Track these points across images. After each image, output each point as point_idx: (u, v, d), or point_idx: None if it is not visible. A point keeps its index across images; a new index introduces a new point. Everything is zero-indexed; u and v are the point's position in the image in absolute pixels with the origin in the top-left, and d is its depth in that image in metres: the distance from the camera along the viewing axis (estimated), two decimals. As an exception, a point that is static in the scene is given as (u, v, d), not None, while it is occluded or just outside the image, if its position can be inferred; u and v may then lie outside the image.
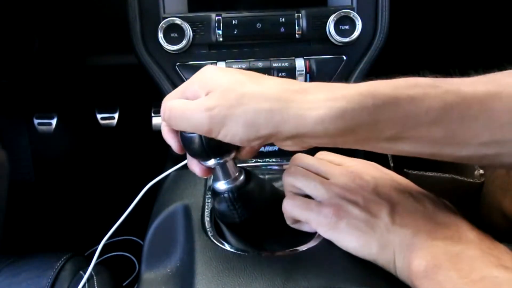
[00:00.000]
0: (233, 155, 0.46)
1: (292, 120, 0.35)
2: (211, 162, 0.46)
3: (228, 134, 0.37)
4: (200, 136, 0.42)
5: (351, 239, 0.42)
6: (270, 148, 0.66)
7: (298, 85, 0.38)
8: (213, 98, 0.37)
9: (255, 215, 0.49)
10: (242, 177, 0.48)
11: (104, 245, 0.55)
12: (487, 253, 0.35)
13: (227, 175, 0.48)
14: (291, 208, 0.46)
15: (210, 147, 0.43)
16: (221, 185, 0.48)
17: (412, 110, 0.35)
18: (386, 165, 0.81)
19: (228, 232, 0.51)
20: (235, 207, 0.48)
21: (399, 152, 0.38)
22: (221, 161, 0.46)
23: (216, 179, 0.49)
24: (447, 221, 0.40)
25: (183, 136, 0.44)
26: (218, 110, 0.36)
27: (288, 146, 0.39)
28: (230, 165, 0.47)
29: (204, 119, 0.37)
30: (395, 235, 0.39)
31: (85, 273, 0.60)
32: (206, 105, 0.37)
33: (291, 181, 0.47)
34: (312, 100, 0.36)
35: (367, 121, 0.35)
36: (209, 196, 0.56)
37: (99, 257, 0.56)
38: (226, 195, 0.47)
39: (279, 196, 0.50)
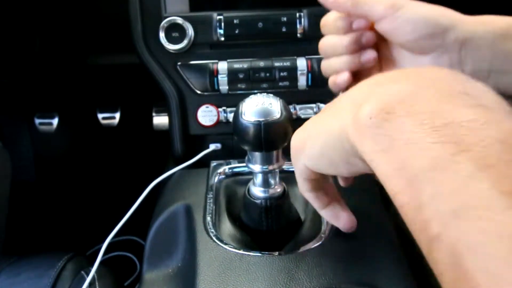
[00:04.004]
0: (279, 164, 0.46)
1: None
2: (257, 168, 0.46)
3: None
4: (260, 126, 0.42)
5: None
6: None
7: None
8: None
9: (280, 229, 0.50)
10: (280, 190, 0.48)
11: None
12: (459, 92, 0.26)
13: (268, 184, 0.48)
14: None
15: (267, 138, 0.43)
16: (259, 192, 0.48)
17: None
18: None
19: (230, 231, 0.51)
20: (267, 216, 0.48)
21: None
22: (266, 169, 0.46)
23: (254, 184, 0.49)
24: (400, 70, 0.32)
25: (241, 124, 0.43)
26: None
27: None
28: (274, 174, 0.48)
29: None
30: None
31: (86, 273, 0.60)
32: None
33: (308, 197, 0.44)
34: None
35: None
36: (211, 196, 0.56)
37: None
38: (262, 203, 0.48)
39: (298, 215, 0.53)
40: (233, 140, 0.68)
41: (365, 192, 0.54)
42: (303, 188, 0.41)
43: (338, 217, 0.44)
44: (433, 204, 0.22)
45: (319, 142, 0.34)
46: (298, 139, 0.38)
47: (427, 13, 0.42)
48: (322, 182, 0.42)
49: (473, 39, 0.42)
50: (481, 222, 0.20)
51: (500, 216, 0.19)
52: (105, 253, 0.52)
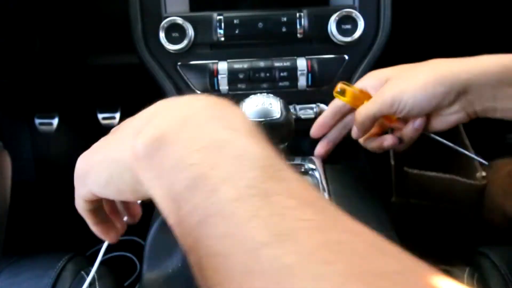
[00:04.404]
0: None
1: None
2: None
3: None
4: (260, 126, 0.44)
5: None
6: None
7: None
8: None
9: None
10: None
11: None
12: (217, 117, 0.29)
13: None
14: None
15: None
16: None
17: None
18: (387, 163, 0.80)
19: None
20: None
21: None
22: None
23: None
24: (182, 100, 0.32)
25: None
26: None
27: None
28: None
29: None
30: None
31: (86, 273, 0.60)
32: None
33: None
34: None
35: None
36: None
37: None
38: None
39: None
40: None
41: (364, 192, 0.54)
42: (82, 207, 0.40)
43: (108, 233, 0.43)
44: (187, 220, 0.25)
45: (104, 170, 0.34)
46: (83, 166, 0.38)
47: (424, 94, 0.50)
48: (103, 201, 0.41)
49: (474, 89, 0.49)
50: (220, 229, 0.23)
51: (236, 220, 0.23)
52: (105, 253, 0.52)
